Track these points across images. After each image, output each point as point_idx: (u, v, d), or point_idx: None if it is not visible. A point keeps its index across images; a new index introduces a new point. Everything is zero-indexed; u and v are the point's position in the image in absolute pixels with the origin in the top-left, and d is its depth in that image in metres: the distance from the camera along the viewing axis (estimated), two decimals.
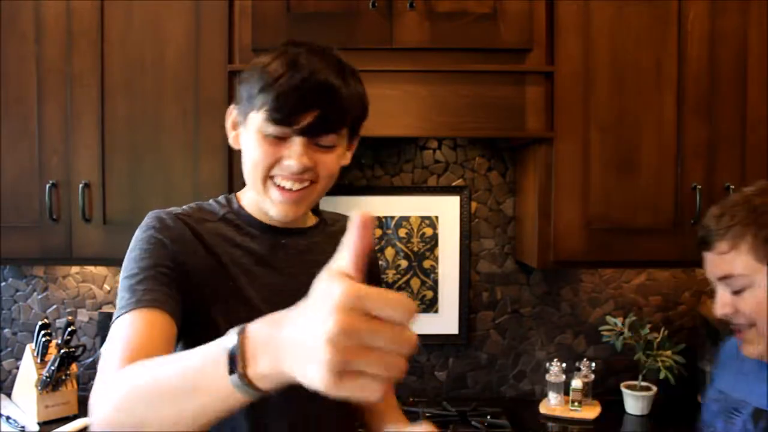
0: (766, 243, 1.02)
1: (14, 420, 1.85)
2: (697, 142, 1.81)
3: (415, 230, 2.15)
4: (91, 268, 2.12)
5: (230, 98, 1.77)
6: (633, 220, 1.83)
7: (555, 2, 1.79)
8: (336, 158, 1.05)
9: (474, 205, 2.17)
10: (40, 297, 2.14)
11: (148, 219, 1.05)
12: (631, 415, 2.00)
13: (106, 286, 2.14)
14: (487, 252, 2.18)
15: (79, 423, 1.84)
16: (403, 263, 2.15)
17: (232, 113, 1.08)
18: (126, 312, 0.91)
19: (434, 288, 2.16)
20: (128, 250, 1.02)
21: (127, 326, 0.89)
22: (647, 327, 2.02)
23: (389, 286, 2.15)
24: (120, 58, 1.79)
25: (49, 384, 1.86)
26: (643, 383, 2.02)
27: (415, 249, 2.15)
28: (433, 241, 2.15)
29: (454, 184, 2.16)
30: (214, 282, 1.02)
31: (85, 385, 2.12)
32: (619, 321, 2.03)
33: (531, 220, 1.92)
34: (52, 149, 1.80)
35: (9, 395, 2.02)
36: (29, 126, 1.80)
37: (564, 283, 2.17)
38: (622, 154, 1.81)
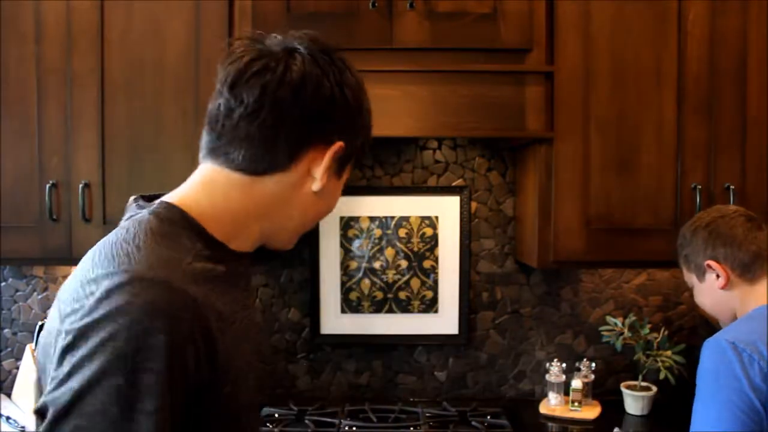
0: (687, 260, 1.49)
1: (14, 420, 1.85)
2: (697, 142, 1.81)
3: (415, 230, 2.15)
4: None
5: None
6: (633, 220, 1.83)
7: (555, 2, 1.79)
8: None
9: (474, 205, 2.17)
10: (40, 297, 2.14)
11: (151, 313, 0.67)
12: (631, 415, 2.00)
13: None
14: (487, 252, 2.18)
15: None
16: (403, 263, 2.15)
17: (337, 151, 0.85)
18: None
19: (434, 288, 2.16)
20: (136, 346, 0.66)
21: None
22: (647, 327, 2.02)
23: (389, 286, 2.15)
24: (120, 58, 1.79)
25: None
26: (643, 383, 2.02)
27: (415, 249, 2.15)
28: (433, 241, 2.15)
29: (454, 184, 2.16)
30: (232, 356, 0.77)
31: None
32: (619, 321, 2.03)
33: (531, 220, 1.92)
34: (52, 149, 1.80)
35: (9, 395, 2.02)
36: (29, 126, 1.80)
37: (564, 283, 2.17)
38: (622, 154, 1.81)
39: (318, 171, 0.85)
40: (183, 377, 0.68)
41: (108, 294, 0.67)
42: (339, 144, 0.85)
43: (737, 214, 1.44)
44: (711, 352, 1.29)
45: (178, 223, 0.80)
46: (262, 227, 0.88)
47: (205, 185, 0.87)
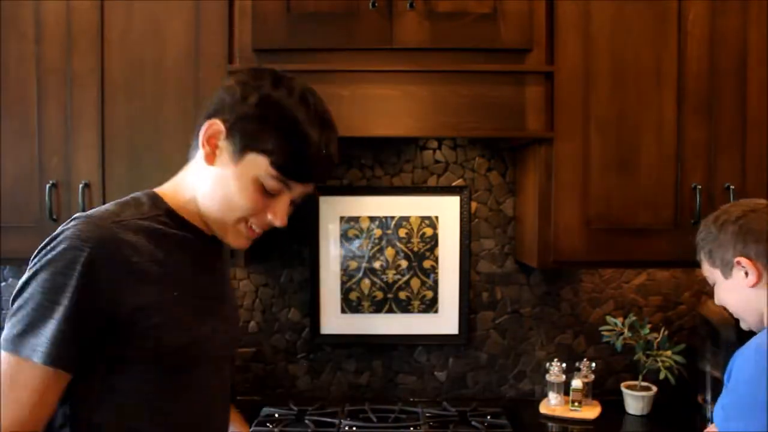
0: (711, 256, 1.37)
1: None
2: (697, 142, 1.81)
3: (415, 230, 2.15)
4: None
5: None
6: (633, 220, 1.83)
7: (555, 2, 1.79)
8: None
9: (474, 205, 2.17)
10: None
11: (77, 238, 0.91)
12: (631, 415, 2.00)
13: None
14: (487, 252, 2.18)
15: None
16: (403, 263, 2.15)
17: (213, 128, 1.00)
18: (25, 357, 0.88)
19: (434, 288, 2.16)
20: (47, 262, 0.91)
21: (18, 376, 0.88)
22: (647, 327, 2.02)
23: (389, 286, 2.15)
24: (120, 58, 1.79)
25: None
26: (643, 383, 2.02)
27: (415, 249, 2.15)
28: (433, 241, 2.15)
29: (454, 184, 2.16)
30: (158, 297, 0.97)
31: None
32: (619, 321, 2.03)
33: (531, 220, 1.92)
34: (52, 149, 1.80)
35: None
36: (29, 126, 1.80)
37: (564, 283, 2.17)
38: (622, 154, 1.81)
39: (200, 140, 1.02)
40: (96, 286, 0.90)
41: (61, 227, 0.94)
42: (212, 121, 1.00)
43: None
44: (755, 358, 1.20)
45: (144, 198, 1.05)
46: (198, 207, 1.05)
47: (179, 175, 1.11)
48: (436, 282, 2.16)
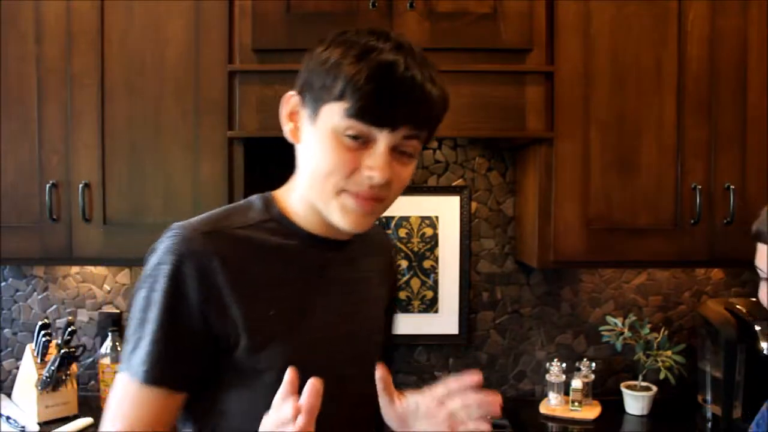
0: None
1: (14, 420, 1.85)
2: (697, 142, 1.81)
3: (415, 230, 2.15)
4: (91, 268, 2.12)
5: (230, 98, 1.77)
6: (633, 220, 1.82)
7: (555, 2, 1.79)
8: (410, 173, 0.92)
9: (474, 205, 2.17)
10: (40, 297, 2.14)
11: (164, 251, 0.87)
12: (631, 415, 2.00)
13: (106, 286, 2.14)
14: (487, 252, 2.18)
15: (79, 423, 1.84)
16: (403, 263, 2.15)
17: (291, 101, 0.92)
18: (132, 377, 0.86)
19: (434, 288, 2.16)
20: (143, 279, 0.88)
21: (135, 404, 0.86)
22: (647, 327, 2.02)
23: None
24: (120, 58, 1.79)
25: (49, 384, 1.86)
26: (643, 383, 2.02)
27: (415, 249, 2.15)
28: (433, 241, 2.15)
29: (454, 184, 2.16)
30: (254, 316, 0.88)
31: (85, 385, 2.12)
32: (619, 321, 2.03)
33: (531, 220, 1.92)
34: (52, 149, 1.80)
35: (9, 395, 2.03)
36: (29, 126, 1.80)
37: (564, 283, 2.17)
38: (622, 154, 1.81)
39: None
40: (182, 301, 0.85)
41: (159, 240, 0.90)
42: (286, 95, 0.93)
43: None
44: None
45: (258, 201, 0.97)
46: (307, 200, 0.93)
47: None
48: (436, 282, 2.16)
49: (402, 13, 1.73)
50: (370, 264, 1.06)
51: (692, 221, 1.80)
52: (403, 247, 2.15)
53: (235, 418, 0.90)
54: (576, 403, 1.99)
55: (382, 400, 0.93)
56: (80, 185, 1.79)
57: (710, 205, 1.81)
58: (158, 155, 1.80)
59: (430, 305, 2.16)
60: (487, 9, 1.75)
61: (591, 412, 1.99)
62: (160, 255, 0.87)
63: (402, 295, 2.15)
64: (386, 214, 2.12)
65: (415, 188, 2.16)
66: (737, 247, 1.81)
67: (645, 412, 1.99)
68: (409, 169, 0.91)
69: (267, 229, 0.93)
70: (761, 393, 1.34)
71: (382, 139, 0.85)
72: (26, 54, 1.79)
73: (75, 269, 2.13)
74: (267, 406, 0.81)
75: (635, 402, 1.99)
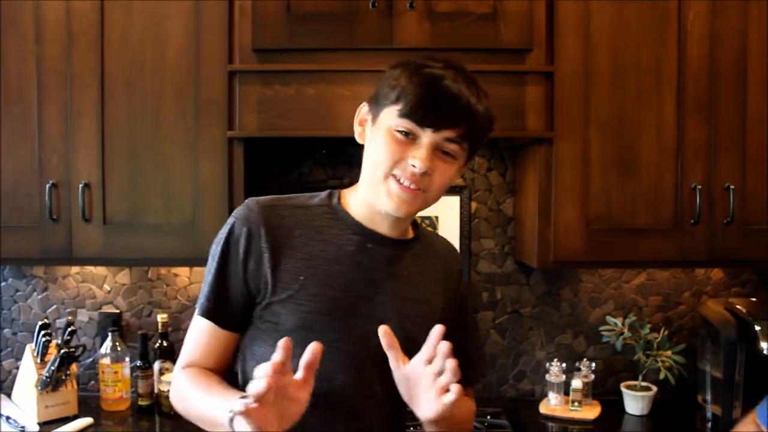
0: None
1: (14, 420, 1.85)
2: (697, 142, 1.81)
3: None
4: (91, 268, 2.12)
5: (230, 98, 1.77)
6: (633, 220, 1.82)
7: (555, 2, 1.79)
8: (453, 171, 1.08)
9: (474, 205, 2.17)
10: (40, 297, 2.14)
11: (232, 215, 1.10)
12: (631, 415, 2.00)
13: (106, 286, 2.14)
14: (487, 252, 2.18)
15: (79, 423, 1.84)
16: None
17: (362, 110, 1.12)
18: (199, 313, 1.10)
19: None
20: (215, 241, 1.10)
21: (197, 332, 1.11)
22: (647, 327, 2.02)
23: None
24: (120, 58, 1.79)
25: (49, 384, 1.86)
26: (643, 383, 2.02)
27: None
28: None
29: (454, 184, 2.16)
30: (285, 277, 1.06)
31: (85, 385, 2.12)
32: (619, 321, 2.03)
33: (531, 220, 1.92)
34: (52, 149, 1.80)
35: (9, 395, 2.02)
36: (29, 126, 1.80)
37: (564, 283, 2.17)
38: (622, 154, 1.81)
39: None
40: (232, 254, 1.07)
41: None
42: (362, 105, 1.13)
43: None
44: None
45: (324, 192, 1.15)
46: (365, 198, 1.10)
47: None
48: None
49: (402, 13, 1.73)
50: (419, 268, 1.17)
51: (692, 221, 1.80)
52: None
53: (257, 363, 0.97)
54: (576, 403, 1.99)
55: (391, 361, 1.01)
56: (80, 185, 1.79)
57: (710, 205, 1.81)
58: (158, 155, 1.80)
59: None
60: (487, 9, 1.75)
61: (591, 412, 1.99)
62: (228, 221, 1.09)
63: None
64: None
65: None
66: (737, 247, 1.81)
67: (645, 412, 1.99)
68: (451, 168, 1.07)
69: (321, 212, 1.11)
70: (761, 393, 1.34)
71: (426, 137, 1.03)
72: (26, 54, 1.79)
73: (75, 269, 2.13)
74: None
75: (635, 402, 1.99)
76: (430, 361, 0.97)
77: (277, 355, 0.88)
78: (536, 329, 2.18)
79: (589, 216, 1.82)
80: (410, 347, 1.04)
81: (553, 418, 1.99)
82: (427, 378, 0.96)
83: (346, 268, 1.08)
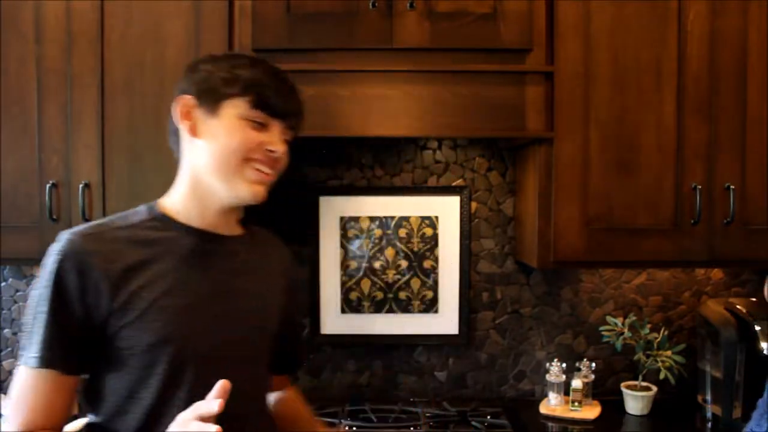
0: None
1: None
2: (697, 142, 1.81)
3: (415, 230, 2.15)
4: None
5: None
6: (633, 220, 1.82)
7: (555, 2, 1.79)
8: (287, 157, 1.15)
9: (474, 205, 2.17)
10: None
11: (51, 253, 1.04)
12: (631, 415, 2.00)
13: None
14: (487, 252, 2.18)
15: (79, 423, 1.84)
16: (403, 263, 2.15)
17: (184, 102, 1.12)
18: (26, 365, 1.01)
19: (434, 288, 2.16)
20: (36, 283, 1.05)
21: (31, 387, 1.01)
22: (647, 327, 2.02)
23: (389, 286, 2.15)
24: (120, 58, 1.79)
25: None
26: (643, 383, 2.02)
27: (415, 249, 2.15)
28: (433, 241, 2.15)
29: (454, 184, 2.16)
30: (129, 299, 1.03)
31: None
32: (619, 321, 2.03)
33: (531, 220, 1.92)
34: (52, 149, 1.80)
35: None
36: (29, 126, 1.80)
37: (564, 283, 2.17)
38: (622, 154, 1.81)
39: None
40: (65, 293, 1.00)
41: None
42: (179, 98, 1.13)
43: None
44: None
45: (143, 207, 1.14)
46: (203, 193, 1.11)
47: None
48: (436, 282, 2.16)
49: (402, 13, 1.73)
50: (256, 262, 1.21)
51: (692, 221, 1.80)
52: (403, 247, 2.15)
53: (114, 397, 1.04)
54: (576, 403, 1.99)
55: None
56: (80, 185, 1.79)
57: (710, 205, 1.81)
58: (158, 155, 1.80)
59: (430, 305, 2.16)
60: (487, 9, 1.75)
61: (591, 412, 1.99)
62: (47, 259, 1.03)
63: (402, 295, 2.15)
64: (387, 213, 2.14)
65: (415, 188, 2.16)
66: (737, 247, 1.81)
67: (645, 412, 1.99)
68: (287, 153, 1.14)
69: (147, 227, 1.10)
70: (761, 393, 1.34)
71: (276, 125, 1.11)
72: (26, 54, 1.79)
73: None
74: (138, 383, 1.02)
75: (635, 402, 1.99)
76: None
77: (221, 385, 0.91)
78: (536, 329, 2.18)
79: (589, 216, 1.82)
80: (262, 339, 1.16)
81: (553, 418, 1.99)
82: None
83: (188, 273, 1.08)
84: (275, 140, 1.10)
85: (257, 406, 1.19)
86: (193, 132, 1.11)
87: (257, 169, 1.09)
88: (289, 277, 1.31)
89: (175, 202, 1.14)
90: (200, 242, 1.11)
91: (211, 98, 1.09)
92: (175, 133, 1.16)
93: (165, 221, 1.11)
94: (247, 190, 1.09)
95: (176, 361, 1.04)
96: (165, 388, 1.03)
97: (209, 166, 1.09)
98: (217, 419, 0.99)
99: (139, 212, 1.13)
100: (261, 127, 1.09)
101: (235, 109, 1.08)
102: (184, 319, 1.06)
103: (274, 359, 1.24)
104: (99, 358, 1.04)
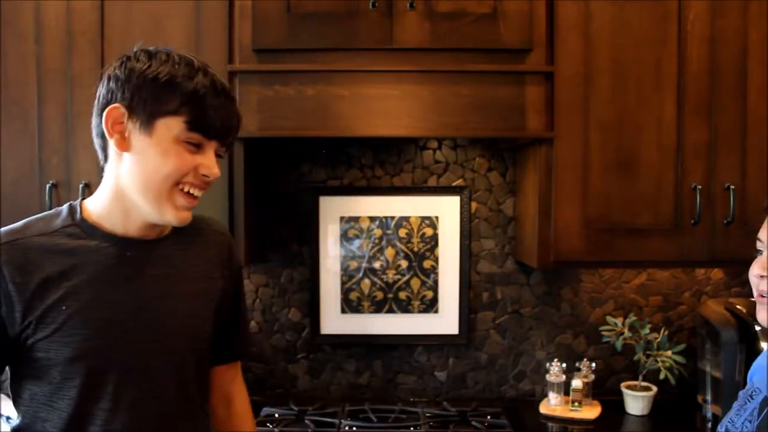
0: None
1: (14, 420, 1.84)
2: (697, 142, 1.81)
3: (415, 230, 2.15)
4: None
5: None
6: (633, 220, 1.82)
7: (555, 2, 1.79)
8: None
9: (474, 205, 2.17)
10: None
11: None
12: (631, 415, 2.00)
13: None
14: (487, 252, 2.18)
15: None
16: (403, 263, 2.15)
17: (114, 113, 1.03)
18: None
19: (434, 288, 2.16)
20: None
21: None
22: (647, 327, 2.02)
23: (389, 286, 2.15)
24: None
25: None
26: (643, 383, 2.02)
27: (415, 249, 2.15)
28: (433, 241, 2.15)
29: (454, 184, 2.16)
30: (46, 312, 0.99)
31: None
32: (619, 321, 2.03)
33: (531, 221, 1.92)
34: (52, 149, 1.80)
35: (9, 395, 2.02)
36: (29, 126, 1.80)
37: (564, 283, 2.17)
38: (622, 154, 1.81)
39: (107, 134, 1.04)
40: None
41: None
42: (110, 108, 1.03)
43: None
44: None
45: (65, 209, 1.08)
46: (128, 206, 1.05)
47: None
48: (436, 282, 2.16)
49: (402, 13, 1.73)
50: (188, 259, 1.14)
51: (692, 221, 1.80)
52: (403, 247, 2.15)
53: (32, 403, 1.03)
54: (576, 403, 1.99)
55: None
56: (80, 185, 1.79)
57: (710, 205, 1.81)
58: None
59: (430, 305, 2.16)
60: (487, 9, 1.75)
61: (591, 412, 1.99)
62: None
63: (402, 295, 2.15)
64: (387, 213, 2.14)
65: (415, 188, 2.16)
66: (737, 247, 1.81)
67: (645, 412, 1.99)
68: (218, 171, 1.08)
69: (67, 233, 1.04)
70: None
71: (211, 146, 1.05)
72: (26, 54, 1.79)
73: None
74: (56, 393, 0.99)
75: (635, 402, 1.99)
76: None
77: None
78: (536, 329, 2.18)
79: (589, 216, 1.82)
80: (193, 341, 1.12)
81: (553, 418, 1.99)
82: None
83: (110, 284, 1.03)
84: (210, 163, 1.04)
85: (188, 407, 1.14)
86: (122, 147, 1.03)
87: (187, 193, 1.04)
88: (232, 264, 1.24)
89: (99, 207, 1.07)
90: (124, 251, 1.05)
91: (144, 113, 1.01)
92: (102, 136, 1.07)
93: (87, 228, 1.05)
94: (174, 215, 1.04)
95: (94, 375, 1.01)
96: (83, 400, 1.01)
97: (137, 185, 1.03)
98: (146, 421, 1.04)
99: (62, 214, 1.07)
100: (196, 149, 1.03)
101: (169, 131, 1.00)
102: (104, 333, 1.02)
103: (218, 348, 1.20)
104: (16, 365, 1.03)
